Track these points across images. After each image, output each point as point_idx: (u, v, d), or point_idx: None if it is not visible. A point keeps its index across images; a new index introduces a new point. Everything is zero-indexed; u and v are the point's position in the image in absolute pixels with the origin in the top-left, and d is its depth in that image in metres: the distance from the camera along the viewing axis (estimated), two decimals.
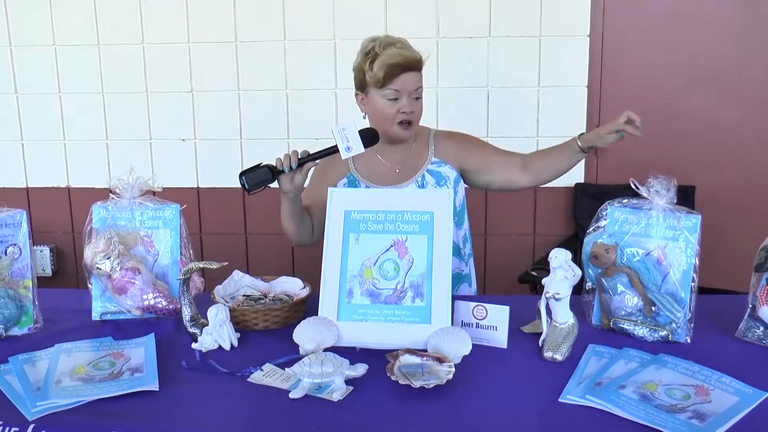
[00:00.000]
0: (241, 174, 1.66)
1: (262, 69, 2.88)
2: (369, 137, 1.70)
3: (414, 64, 1.79)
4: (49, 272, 3.09)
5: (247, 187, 1.65)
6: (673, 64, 2.84)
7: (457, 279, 1.96)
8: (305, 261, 2.96)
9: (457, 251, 1.95)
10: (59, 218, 3.06)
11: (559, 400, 1.23)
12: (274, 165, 1.68)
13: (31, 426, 1.15)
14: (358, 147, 1.67)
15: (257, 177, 1.66)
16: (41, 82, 2.97)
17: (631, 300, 1.51)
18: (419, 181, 1.89)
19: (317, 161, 1.71)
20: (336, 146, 1.67)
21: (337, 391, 1.24)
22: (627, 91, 2.86)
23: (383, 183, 1.89)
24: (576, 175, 2.87)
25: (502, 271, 2.36)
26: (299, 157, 1.67)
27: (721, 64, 2.82)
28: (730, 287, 2.30)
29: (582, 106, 2.81)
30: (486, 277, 2.86)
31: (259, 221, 3.01)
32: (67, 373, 1.32)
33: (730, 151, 2.87)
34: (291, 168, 1.66)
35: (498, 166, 1.93)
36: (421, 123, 1.92)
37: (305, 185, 1.74)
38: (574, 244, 2.77)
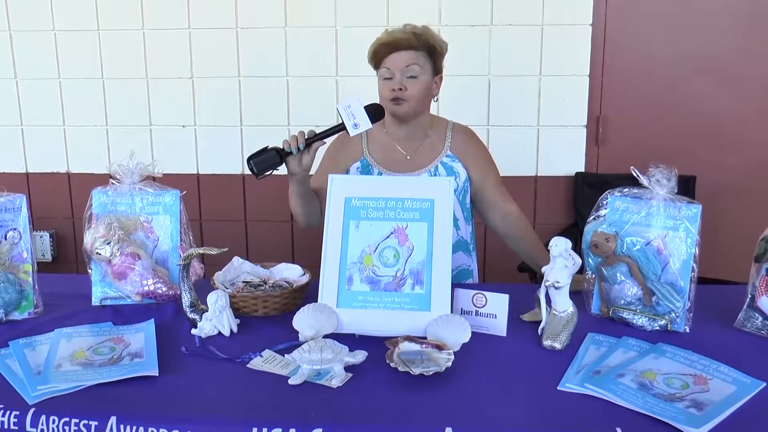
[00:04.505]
0: (249, 158, 1.64)
1: (262, 55, 2.87)
2: (375, 112, 1.68)
3: (403, 44, 1.78)
4: (49, 257, 3.09)
5: (255, 171, 1.63)
6: (675, 54, 2.82)
7: (465, 275, 1.96)
8: (305, 247, 2.97)
9: (465, 247, 1.95)
10: (59, 204, 3.06)
11: (558, 388, 1.23)
12: (282, 147, 1.66)
13: (32, 410, 1.15)
14: (365, 123, 1.65)
15: (266, 161, 1.64)
16: (41, 67, 2.96)
17: (631, 289, 1.51)
18: (432, 172, 1.88)
19: (325, 141, 1.70)
20: (343, 124, 1.66)
21: (337, 378, 1.24)
22: (629, 81, 2.85)
23: (396, 169, 1.89)
24: (576, 165, 2.87)
25: (502, 259, 2.36)
26: (306, 137, 1.66)
27: (723, 54, 2.81)
28: (730, 277, 2.30)
29: (583, 95, 2.80)
30: (486, 265, 2.87)
31: (259, 208, 3.01)
32: (67, 358, 1.32)
33: (732, 142, 2.86)
34: (299, 149, 1.65)
35: (491, 195, 1.93)
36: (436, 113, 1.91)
37: (314, 167, 1.73)
38: (574, 233, 2.78)
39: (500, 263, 2.48)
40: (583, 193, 2.84)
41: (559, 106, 2.81)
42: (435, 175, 1.87)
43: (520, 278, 2.54)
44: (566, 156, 2.86)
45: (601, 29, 2.80)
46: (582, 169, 2.87)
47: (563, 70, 2.78)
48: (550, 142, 2.85)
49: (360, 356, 1.30)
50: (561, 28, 2.74)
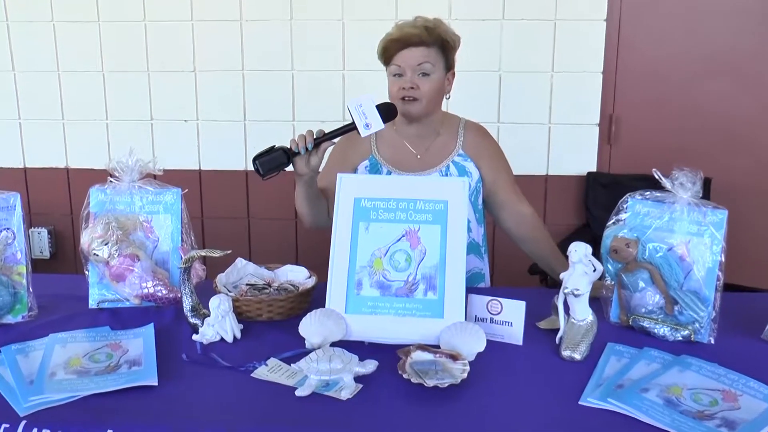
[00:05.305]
0: (255, 158, 1.58)
1: (267, 48, 2.81)
2: (387, 112, 1.62)
3: (414, 40, 1.71)
4: (47, 255, 3.05)
5: (262, 172, 1.57)
6: (691, 52, 2.77)
7: (477, 278, 1.90)
8: (309, 247, 2.92)
9: (477, 250, 1.89)
10: (58, 200, 3.02)
11: (579, 402, 1.17)
12: (289, 147, 1.60)
13: (23, 423, 1.09)
14: (377, 123, 1.59)
15: (272, 161, 1.57)
16: (39, 59, 2.91)
17: (653, 297, 1.45)
18: (443, 171, 1.82)
19: (334, 141, 1.64)
20: (353, 124, 1.59)
21: (346, 389, 1.18)
22: (643, 79, 2.80)
23: (406, 169, 1.83)
24: (588, 164, 2.82)
25: (512, 261, 2.31)
26: (315, 137, 1.60)
27: (738, 53, 2.76)
28: (748, 282, 2.24)
29: (596, 93, 2.75)
30: (495, 267, 2.81)
31: (262, 205, 2.96)
32: (61, 366, 1.26)
33: (749, 143, 2.81)
34: (306, 149, 1.59)
35: (504, 196, 1.87)
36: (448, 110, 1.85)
37: (322, 166, 1.67)
38: (585, 234, 2.73)
39: (510, 265, 2.42)
40: (595, 193, 2.78)
41: (571, 103, 2.76)
42: (446, 174, 1.81)
43: (530, 281, 2.48)
44: (578, 155, 2.81)
45: (615, 25, 2.74)
46: (594, 169, 2.82)
47: (576, 67, 2.73)
48: (562, 141, 2.80)
49: (370, 366, 1.24)
50: (574, 24, 2.69)
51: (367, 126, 1.58)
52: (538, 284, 2.49)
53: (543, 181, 2.83)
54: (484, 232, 1.93)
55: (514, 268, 2.43)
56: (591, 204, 2.78)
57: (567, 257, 1.38)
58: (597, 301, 1.51)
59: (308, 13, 2.76)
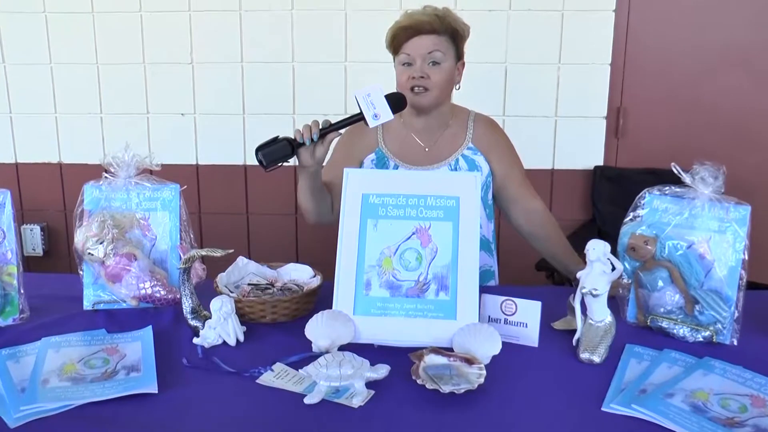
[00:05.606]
0: (258, 149, 1.52)
1: (267, 40, 2.75)
2: (396, 102, 1.56)
3: (425, 27, 1.66)
4: (40, 252, 2.98)
5: (264, 164, 1.51)
6: (701, 44, 2.71)
7: (487, 276, 1.85)
8: (310, 244, 2.86)
9: (487, 246, 1.84)
10: (51, 196, 2.95)
11: (602, 409, 1.11)
12: (293, 138, 1.54)
13: None
14: (386, 114, 1.53)
15: (276, 152, 1.51)
16: (31, 51, 2.83)
17: (672, 297, 1.39)
18: (452, 165, 1.76)
19: (341, 131, 1.57)
20: (361, 114, 1.53)
21: (358, 396, 1.12)
22: (652, 71, 2.74)
23: (413, 162, 1.77)
24: (595, 158, 2.76)
25: (517, 257, 2.25)
26: (321, 127, 1.54)
27: (749, 46, 2.70)
28: (765, 280, 2.18)
29: (604, 85, 2.69)
30: (500, 263, 2.75)
31: (262, 201, 2.90)
32: (55, 372, 1.20)
33: (759, 137, 2.75)
34: (312, 140, 1.53)
35: (514, 191, 1.81)
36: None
37: (326, 159, 1.62)
38: (591, 229, 2.67)
39: (515, 261, 2.36)
40: (601, 188, 2.72)
41: (578, 96, 2.70)
42: (455, 168, 1.75)
43: (537, 277, 2.42)
44: (584, 149, 2.75)
45: (624, 16, 2.68)
46: (601, 163, 2.76)
47: (584, 59, 2.67)
48: (568, 134, 2.74)
49: (382, 371, 1.18)
50: (582, 14, 2.63)
51: (376, 116, 1.52)
52: (545, 280, 2.43)
53: (549, 175, 2.77)
54: (494, 229, 1.88)
55: (520, 264, 2.37)
56: (597, 198, 2.72)
57: (582, 254, 1.33)
58: (613, 300, 1.46)
59: (309, 3, 2.69)
